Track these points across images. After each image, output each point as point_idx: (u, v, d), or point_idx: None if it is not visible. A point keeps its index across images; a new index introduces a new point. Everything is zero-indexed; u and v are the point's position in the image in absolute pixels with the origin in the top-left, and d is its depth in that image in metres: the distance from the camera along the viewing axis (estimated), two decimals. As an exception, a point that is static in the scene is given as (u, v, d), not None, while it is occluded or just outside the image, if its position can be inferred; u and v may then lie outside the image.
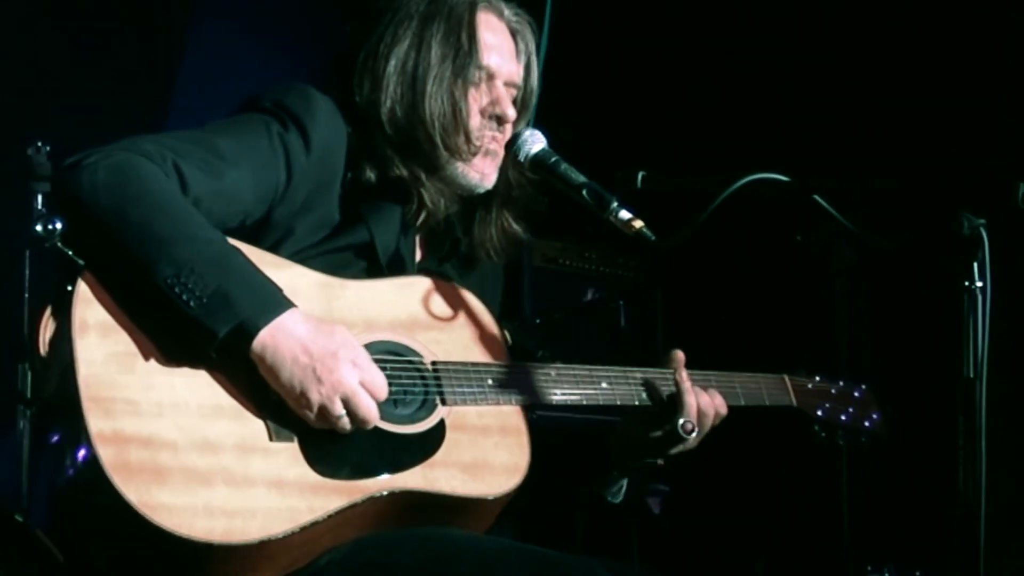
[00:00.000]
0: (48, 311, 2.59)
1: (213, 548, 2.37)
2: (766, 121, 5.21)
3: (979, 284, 2.62)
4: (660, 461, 2.99)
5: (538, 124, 2.98)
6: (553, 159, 2.82)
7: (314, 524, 2.46)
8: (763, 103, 5.29)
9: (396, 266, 2.83)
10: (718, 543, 5.21)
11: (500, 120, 2.89)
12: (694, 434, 2.85)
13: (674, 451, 2.92)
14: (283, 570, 2.49)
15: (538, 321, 4.80)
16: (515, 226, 2.97)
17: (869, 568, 4.40)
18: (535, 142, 2.84)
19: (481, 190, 2.91)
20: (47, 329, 2.59)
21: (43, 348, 2.58)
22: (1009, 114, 4.79)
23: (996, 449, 2.58)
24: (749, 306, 5.22)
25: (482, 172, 2.88)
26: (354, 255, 2.78)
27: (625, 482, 3.04)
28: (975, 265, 2.62)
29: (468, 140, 2.85)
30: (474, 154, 2.86)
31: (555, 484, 2.94)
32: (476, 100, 2.87)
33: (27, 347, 4.23)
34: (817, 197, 2.76)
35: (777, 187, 2.76)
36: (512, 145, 2.85)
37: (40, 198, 4.35)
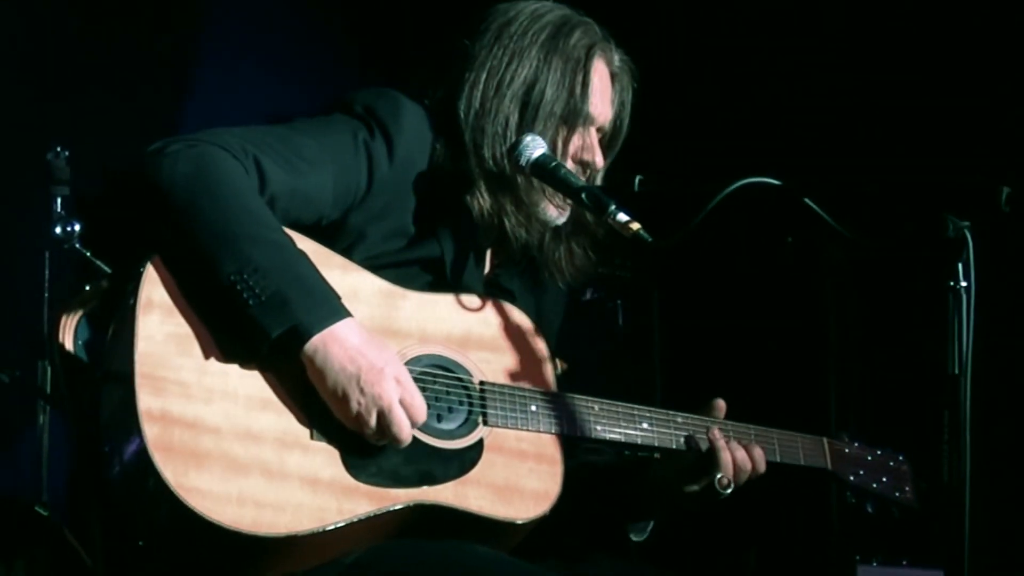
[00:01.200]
0: (74, 312, 2.59)
1: (240, 536, 2.37)
2: (758, 127, 5.22)
3: (963, 284, 2.62)
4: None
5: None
6: (553, 163, 2.80)
7: (339, 527, 2.45)
8: (755, 110, 5.30)
9: (463, 282, 2.80)
10: (713, 534, 5.22)
11: (587, 166, 2.88)
12: (730, 489, 2.82)
13: (707, 503, 2.88)
14: (305, 565, 2.48)
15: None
16: (582, 253, 2.95)
17: (858, 557, 4.41)
18: (536, 147, 2.81)
19: (556, 224, 2.89)
20: (68, 328, 2.59)
21: (68, 344, 2.58)
22: (994, 120, 4.79)
23: (979, 443, 2.59)
24: (743, 305, 5.23)
25: (561, 209, 2.87)
26: (421, 269, 2.75)
27: (652, 523, 2.99)
28: (960, 265, 2.63)
29: None
30: (562, 195, 2.84)
31: (582, 517, 2.90)
32: (574, 145, 2.87)
33: (47, 345, 4.25)
34: (808, 200, 2.77)
35: (769, 190, 2.76)
36: (514, 151, 2.82)
37: (59, 201, 4.39)
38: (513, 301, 2.86)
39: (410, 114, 2.74)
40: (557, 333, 3.01)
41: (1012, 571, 4.53)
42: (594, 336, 4.99)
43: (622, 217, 2.71)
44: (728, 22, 5.42)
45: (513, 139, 2.79)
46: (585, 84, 2.84)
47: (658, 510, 2.95)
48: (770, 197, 2.76)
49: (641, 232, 2.69)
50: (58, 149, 4.43)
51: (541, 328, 2.86)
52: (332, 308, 2.48)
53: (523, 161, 2.81)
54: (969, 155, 4.73)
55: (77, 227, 4.14)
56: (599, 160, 2.90)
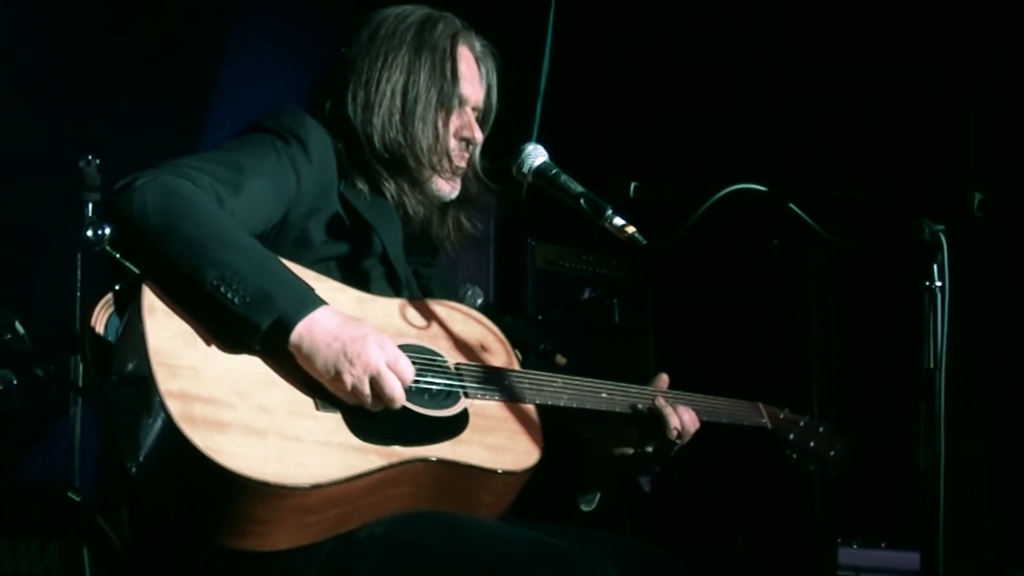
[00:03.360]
0: (98, 307, 2.61)
1: (268, 487, 2.39)
2: (747, 136, 5.22)
3: (938, 284, 2.62)
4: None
5: (542, 138, 3.01)
6: (554, 171, 2.84)
7: (358, 477, 2.49)
8: (744, 120, 5.31)
9: (400, 272, 2.90)
10: (702, 518, 5.22)
11: (469, 142, 3.00)
12: (679, 440, 2.91)
13: (655, 463, 2.98)
14: (324, 532, 2.52)
15: (540, 317, 4.81)
16: (468, 224, 3.07)
17: (839, 540, 4.41)
18: (537, 156, 2.87)
19: (448, 200, 3.01)
20: (99, 323, 2.62)
21: (100, 331, 2.62)
22: (968, 131, 4.80)
23: (953, 432, 2.59)
24: (731, 305, 5.23)
25: (452, 185, 3.00)
26: (372, 266, 2.84)
27: (599, 494, 3.05)
28: (935, 267, 2.63)
29: (449, 160, 2.97)
30: (450, 171, 2.97)
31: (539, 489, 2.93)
32: (453, 125, 2.98)
33: (79, 341, 4.26)
34: (792, 205, 2.77)
35: (756, 196, 2.77)
36: (517, 158, 2.88)
37: (91, 206, 4.40)
38: (432, 286, 3.01)
39: (311, 123, 2.85)
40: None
41: (983, 552, 4.53)
42: (592, 333, 5.00)
43: (618, 221, 2.72)
44: (716, 36, 5.43)
45: (400, 127, 2.91)
46: (455, 69, 2.97)
47: (604, 480, 3.02)
48: (757, 203, 2.76)
49: (636, 235, 2.71)
50: (89, 157, 4.44)
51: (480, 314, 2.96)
52: (309, 298, 2.55)
53: (526, 168, 2.86)
54: (945, 165, 4.73)
55: (107, 230, 4.15)
56: (478, 135, 3.02)
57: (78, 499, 4.05)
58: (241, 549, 2.45)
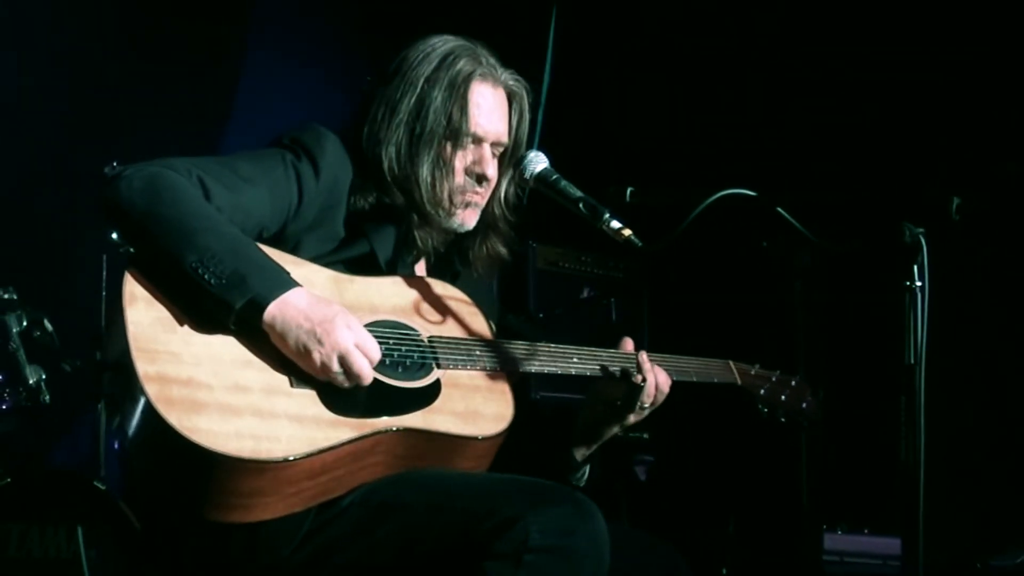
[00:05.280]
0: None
1: (244, 462, 2.42)
2: (739, 143, 5.22)
3: (919, 284, 2.63)
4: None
5: (543, 145, 3.00)
6: (554, 176, 2.85)
7: (330, 448, 2.51)
8: (736, 127, 5.31)
9: (396, 271, 2.88)
10: (695, 505, 5.22)
11: (480, 178, 2.91)
12: (647, 388, 2.88)
13: (631, 417, 2.94)
14: (306, 501, 2.54)
15: (541, 315, 4.81)
16: (499, 249, 3.00)
17: (824, 527, 4.41)
18: (539, 162, 2.87)
19: (463, 231, 2.94)
20: None
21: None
22: (947, 138, 4.80)
23: (932, 425, 2.60)
24: (722, 303, 5.23)
25: (463, 219, 2.92)
26: (358, 265, 2.82)
27: (587, 469, 3.04)
28: (915, 267, 2.64)
29: (451, 198, 2.88)
30: (456, 207, 2.89)
31: (528, 466, 2.94)
32: (462, 160, 2.88)
33: (103, 339, 4.26)
34: (780, 209, 2.78)
35: (746, 200, 2.77)
36: (519, 165, 2.88)
37: (115, 210, 4.39)
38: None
39: (331, 141, 2.82)
40: (495, 315, 3.04)
41: (962, 538, 4.53)
42: (590, 331, 4.99)
43: (615, 224, 2.73)
44: (716, 36, 5.43)
45: (406, 162, 2.85)
46: (464, 109, 2.87)
47: (588, 445, 2.99)
48: (747, 207, 2.77)
49: (632, 237, 2.71)
50: (114, 163, 4.43)
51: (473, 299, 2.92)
52: (283, 280, 2.57)
53: (527, 174, 2.87)
54: (924, 171, 4.73)
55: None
56: (490, 172, 2.91)
57: (103, 487, 4.06)
58: (228, 522, 2.48)
